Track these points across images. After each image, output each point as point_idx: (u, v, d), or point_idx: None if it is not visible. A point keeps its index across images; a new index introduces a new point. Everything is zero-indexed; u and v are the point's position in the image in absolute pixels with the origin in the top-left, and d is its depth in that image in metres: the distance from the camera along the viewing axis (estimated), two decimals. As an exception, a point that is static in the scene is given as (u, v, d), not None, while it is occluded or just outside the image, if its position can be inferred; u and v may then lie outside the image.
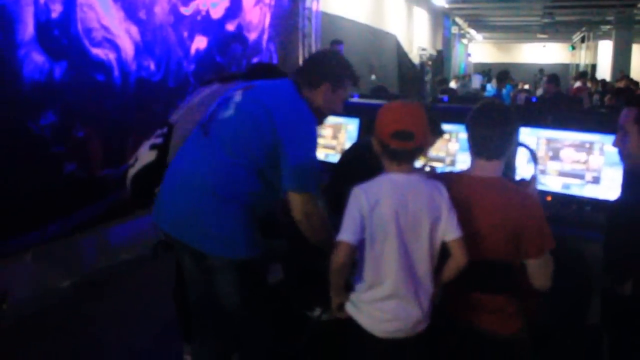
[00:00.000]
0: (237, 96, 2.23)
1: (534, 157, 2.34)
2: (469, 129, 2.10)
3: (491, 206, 2.00)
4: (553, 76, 7.44)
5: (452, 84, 15.38)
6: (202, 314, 2.38)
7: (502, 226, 1.98)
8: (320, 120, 2.33)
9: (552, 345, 2.15)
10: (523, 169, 2.75)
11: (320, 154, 3.19)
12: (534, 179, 2.20)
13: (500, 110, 2.11)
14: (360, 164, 2.73)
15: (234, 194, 2.11)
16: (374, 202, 1.88)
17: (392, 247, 1.87)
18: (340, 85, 2.31)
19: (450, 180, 2.13)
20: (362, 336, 1.94)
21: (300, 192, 2.12)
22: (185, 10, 5.13)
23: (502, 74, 9.48)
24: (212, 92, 2.89)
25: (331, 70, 2.29)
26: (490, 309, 2.12)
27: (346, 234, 1.87)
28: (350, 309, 1.98)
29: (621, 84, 11.24)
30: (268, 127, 2.09)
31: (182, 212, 2.18)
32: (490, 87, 12.52)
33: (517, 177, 2.36)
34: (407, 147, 1.89)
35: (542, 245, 1.98)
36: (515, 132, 2.11)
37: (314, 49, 8.13)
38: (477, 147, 2.09)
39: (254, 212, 2.16)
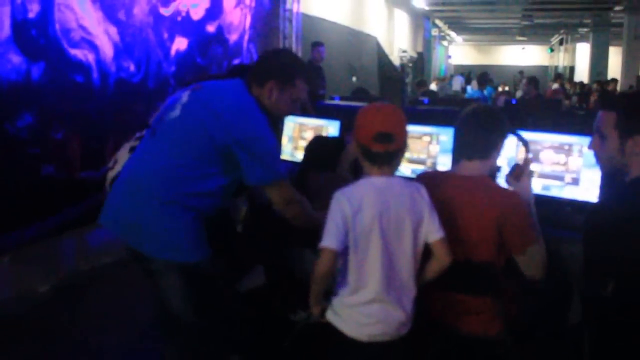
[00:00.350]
0: (184, 97, 2.20)
1: (525, 144, 2.37)
2: (457, 130, 2.17)
3: (476, 205, 2.04)
4: (532, 78, 7.56)
5: (433, 86, 15.48)
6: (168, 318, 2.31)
7: (486, 225, 2.01)
8: (273, 120, 2.27)
9: (534, 345, 2.16)
10: (515, 156, 2.78)
11: (300, 156, 3.19)
12: (527, 162, 2.23)
13: (490, 114, 2.17)
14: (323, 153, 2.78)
15: (175, 195, 2.06)
16: (357, 206, 1.86)
17: (376, 250, 1.86)
18: (289, 83, 2.21)
19: (434, 179, 2.16)
20: (344, 342, 1.92)
21: (272, 183, 2.13)
22: (165, 11, 5.10)
23: (482, 76, 9.62)
24: None
25: (280, 67, 2.22)
26: (472, 310, 2.13)
27: (330, 241, 1.84)
28: (330, 316, 1.96)
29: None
30: (215, 127, 2.07)
31: (124, 214, 2.14)
32: (471, 89, 12.63)
33: (510, 164, 2.37)
34: (389, 149, 1.87)
35: (524, 242, 2.01)
36: (503, 137, 2.14)
37: (294, 51, 8.13)
38: (463, 147, 2.15)
39: (198, 213, 2.11)
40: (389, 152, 1.88)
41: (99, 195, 3.03)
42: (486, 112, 2.20)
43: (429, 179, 2.17)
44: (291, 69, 2.25)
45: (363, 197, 1.88)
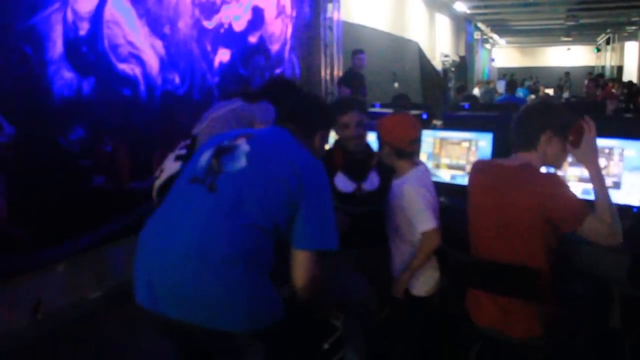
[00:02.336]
0: (243, 145, 1.95)
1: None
2: (512, 123, 2.25)
3: (522, 190, 2.10)
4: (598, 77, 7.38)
5: (476, 90, 15.31)
6: None
7: (530, 210, 2.06)
8: None
9: (574, 350, 2.15)
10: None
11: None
12: (584, 126, 2.21)
13: (536, 106, 2.27)
14: None
15: (251, 257, 1.78)
16: (432, 192, 2.53)
17: None
18: (328, 131, 2.35)
19: (487, 166, 2.34)
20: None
21: (313, 250, 1.86)
22: (209, 24, 5.23)
23: (511, 82, 9.88)
24: (234, 110, 2.98)
25: (324, 118, 2.28)
26: (514, 314, 2.15)
27: (433, 222, 2.42)
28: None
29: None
30: (294, 183, 1.85)
31: (180, 288, 1.77)
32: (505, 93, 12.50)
33: None
34: (416, 148, 2.63)
35: (576, 217, 2.04)
36: (550, 125, 2.17)
37: (335, 59, 8.20)
38: (514, 137, 2.23)
39: (269, 267, 1.84)
40: (416, 150, 2.61)
41: (147, 204, 3.14)
42: (534, 105, 2.29)
43: (477, 165, 2.42)
44: (330, 116, 2.37)
45: (427, 185, 2.54)
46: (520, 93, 15.64)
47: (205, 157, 1.94)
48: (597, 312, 2.24)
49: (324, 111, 2.29)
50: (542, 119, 2.18)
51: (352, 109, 2.85)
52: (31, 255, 3.56)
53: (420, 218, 2.45)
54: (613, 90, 9.93)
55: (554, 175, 2.15)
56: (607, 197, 2.08)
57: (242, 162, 1.87)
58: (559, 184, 2.08)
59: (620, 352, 1.96)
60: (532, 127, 2.18)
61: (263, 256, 1.80)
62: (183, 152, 2.99)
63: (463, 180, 3.23)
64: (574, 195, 2.07)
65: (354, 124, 2.84)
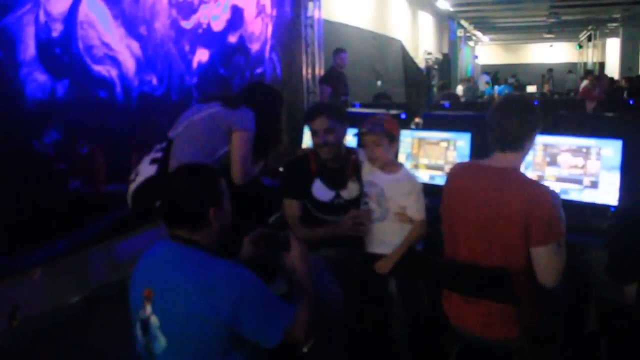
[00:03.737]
0: (152, 317, 1.80)
1: None
2: (489, 120, 2.17)
3: (503, 197, 2.06)
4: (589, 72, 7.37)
5: (459, 88, 15.36)
6: None
7: (514, 214, 2.02)
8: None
9: (552, 352, 2.15)
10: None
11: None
12: None
13: (521, 102, 2.18)
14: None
15: None
16: None
17: None
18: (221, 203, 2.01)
19: (467, 168, 2.27)
20: None
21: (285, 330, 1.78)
22: (186, 24, 5.17)
23: (494, 78, 9.82)
24: (212, 115, 2.93)
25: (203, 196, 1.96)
26: (491, 316, 2.13)
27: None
28: None
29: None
30: (223, 316, 1.74)
31: None
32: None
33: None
34: None
35: (548, 234, 2.01)
36: (536, 125, 2.14)
37: (317, 58, 8.17)
38: (495, 137, 2.15)
39: None
40: None
41: (125, 207, 3.10)
42: (519, 102, 2.20)
43: (456, 169, 2.33)
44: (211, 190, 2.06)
45: None
46: (505, 90, 15.76)
47: (138, 332, 1.83)
48: (575, 314, 2.23)
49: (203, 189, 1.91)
50: (531, 120, 2.13)
51: (319, 116, 2.76)
52: (7, 261, 3.49)
53: (418, 207, 2.66)
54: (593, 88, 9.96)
55: (545, 185, 2.11)
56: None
57: (161, 341, 1.75)
58: (548, 195, 2.04)
59: (596, 353, 1.95)
60: (522, 128, 2.12)
61: None
62: (159, 155, 2.95)
63: (442, 180, 3.20)
64: (559, 214, 2.03)
65: (321, 131, 2.75)
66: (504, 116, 2.13)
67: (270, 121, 3.05)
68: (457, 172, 2.33)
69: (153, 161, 2.93)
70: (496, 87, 17.29)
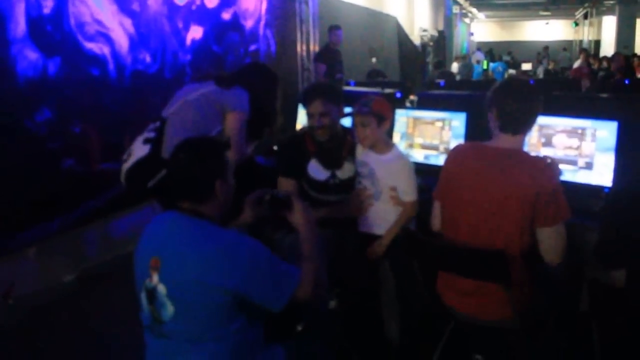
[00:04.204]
0: (159, 286, 1.83)
1: None
2: (496, 103, 2.15)
3: (512, 177, 2.06)
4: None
5: (454, 65, 15.29)
6: None
7: (525, 195, 2.02)
8: None
9: (545, 332, 2.16)
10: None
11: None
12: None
13: (527, 86, 2.19)
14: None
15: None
16: None
17: None
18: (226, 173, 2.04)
19: (472, 150, 2.24)
20: None
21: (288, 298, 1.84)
22: (180, 1, 5.11)
23: (490, 54, 9.75)
24: (206, 94, 2.90)
25: (212, 166, 1.99)
26: (484, 297, 2.14)
27: (417, 194, 2.69)
28: None
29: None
30: (231, 285, 1.79)
31: None
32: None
33: None
34: None
35: (556, 214, 2.03)
36: (540, 107, 2.15)
37: (311, 34, 8.11)
38: (502, 120, 2.14)
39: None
40: None
41: (119, 186, 3.09)
42: (526, 86, 2.20)
43: (459, 151, 2.30)
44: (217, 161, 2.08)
45: None
46: (499, 67, 15.66)
47: (144, 301, 1.84)
48: (568, 296, 2.25)
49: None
50: (537, 104, 2.14)
51: (315, 99, 2.74)
52: (1, 240, 3.49)
53: (410, 189, 2.67)
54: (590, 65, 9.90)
55: (551, 165, 2.12)
56: None
57: (169, 308, 1.78)
58: (556, 175, 2.05)
59: (588, 333, 1.97)
60: (530, 112, 2.12)
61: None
62: (152, 135, 2.93)
63: (437, 160, 3.21)
64: (563, 194, 2.04)
65: (317, 115, 2.74)
66: (512, 100, 2.11)
67: (265, 101, 3.03)
68: (460, 154, 2.30)
69: (146, 141, 2.91)
70: (490, 64, 17.20)
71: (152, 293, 1.79)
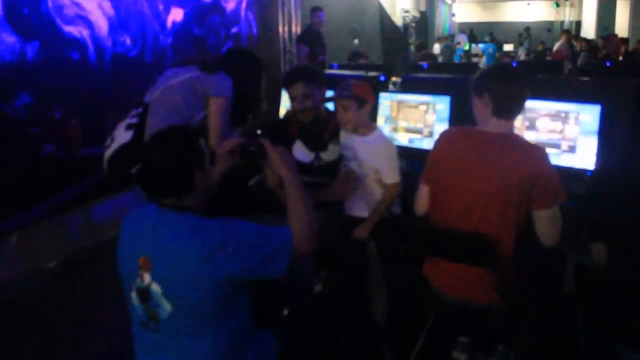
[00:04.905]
0: (153, 285, 1.80)
1: None
2: (488, 89, 2.15)
3: (508, 161, 2.07)
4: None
5: (436, 46, 15.27)
6: None
7: (516, 182, 2.04)
8: None
9: (528, 315, 2.19)
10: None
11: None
12: None
13: (516, 71, 2.22)
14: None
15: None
16: None
17: None
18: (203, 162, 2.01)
19: (463, 135, 2.25)
20: None
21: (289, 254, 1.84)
22: (160, -18, 5.03)
23: (471, 37, 9.74)
24: (189, 79, 2.87)
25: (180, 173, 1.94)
26: (469, 280, 2.16)
27: (400, 176, 2.69)
28: None
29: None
30: (223, 274, 1.79)
31: None
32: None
33: None
34: None
35: (554, 196, 2.06)
36: (528, 91, 2.17)
37: (293, 15, 8.04)
38: (499, 106, 2.14)
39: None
40: None
41: (101, 171, 3.06)
42: (515, 71, 2.23)
43: (450, 136, 2.29)
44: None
45: None
46: (490, 48, 15.68)
47: (135, 300, 1.82)
48: (552, 279, 2.28)
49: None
50: (526, 88, 2.15)
51: (297, 81, 2.75)
52: (-19, 228, 3.46)
53: (393, 170, 2.67)
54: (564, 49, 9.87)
55: (543, 148, 2.13)
56: None
57: (166, 306, 1.75)
58: (548, 157, 2.07)
59: (572, 317, 2.00)
60: (524, 96, 2.15)
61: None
62: (135, 120, 2.90)
63: (421, 143, 3.22)
64: (558, 177, 2.07)
65: (299, 97, 2.75)
66: (508, 86, 2.12)
67: (249, 87, 3.01)
68: (450, 138, 2.30)
69: (129, 127, 2.87)
70: (480, 45, 17.21)
71: (144, 292, 1.77)
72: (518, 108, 2.15)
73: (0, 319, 3.32)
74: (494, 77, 2.16)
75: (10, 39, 3.55)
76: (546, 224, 2.09)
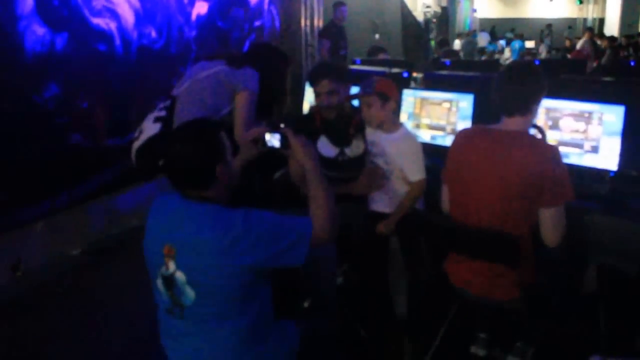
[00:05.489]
0: (177, 273, 1.85)
1: (541, 133, 2.42)
2: (498, 86, 2.18)
3: (516, 158, 2.08)
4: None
5: (457, 42, 15.18)
6: None
7: (525, 176, 2.05)
8: None
9: (549, 313, 2.21)
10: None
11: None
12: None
13: (526, 68, 2.22)
14: None
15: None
16: None
17: None
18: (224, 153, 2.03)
19: (478, 134, 2.26)
20: None
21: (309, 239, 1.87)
22: (185, -24, 5.08)
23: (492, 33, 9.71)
24: (216, 73, 2.91)
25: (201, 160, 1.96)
26: (490, 277, 2.18)
27: (424, 173, 2.71)
28: None
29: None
30: (247, 262, 1.83)
31: None
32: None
33: None
34: None
35: (561, 195, 2.06)
36: (540, 89, 2.17)
37: (315, 10, 8.04)
38: (506, 103, 2.17)
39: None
40: None
41: (125, 161, 3.11)
42: (522, 67, 2.26)
43: (467, 135, 2.30)
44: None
45: None
46: (516, 45, 15.52)
47: (161, 287, 1.87)
48: (572, 277, 2.29)
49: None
50: (535, 84, 2.16)
51: (322, 78, 2.79)
52: (9, 215, 3.53)
53: (416, 167, 2.69)
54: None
55: (555, 147, 2.14)
56: None
57: (190, 294, 1.81)
58: (559, 156, 2.08)
59: (594, 315, 2.01)
60: (527, 93, 2.15)
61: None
62: (163, 113, 2.94)
63: (443, 140, 3.23)
64: (567, 177, 2.07)
65: (324, 93, 2.78)
66: (509, 82, 2.15)
67: (275, 80, 3.04)
68: (466, 137, 2.32)
69: (157, 119, 2.92)
70: (501, 41, 17.05)
71: (169, 280, 1.82)
72: (525, 105, 2.14)
73: (25, 304, 3.41)
74: (499, 75, 2.21)
75: (40, 30, 3.61)
76: (549, 223, 2.08)
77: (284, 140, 1.99)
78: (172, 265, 1.80)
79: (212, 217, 1.78)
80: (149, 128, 2.90)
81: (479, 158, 2.19)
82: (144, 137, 2.90)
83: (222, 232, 1.74)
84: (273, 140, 2.02)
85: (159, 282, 1.86)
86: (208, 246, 1.74)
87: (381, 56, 6.19)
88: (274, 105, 3.15)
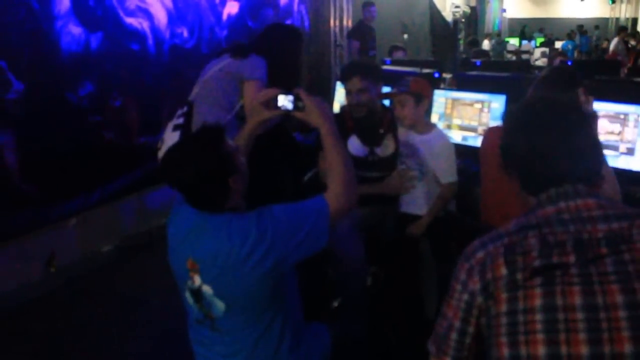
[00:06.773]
0: (204, 287, 1.81)
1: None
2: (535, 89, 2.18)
3: None
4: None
5: (485, 42, 15.06)
6: None
7: None
8: None
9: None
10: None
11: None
12: None
13: (568, 73, 2.21)
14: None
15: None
16: None
17: None
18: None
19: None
20: None
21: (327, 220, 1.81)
22: (216, -24, 5.13)
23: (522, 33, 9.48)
24: (223, 68, 2.88)
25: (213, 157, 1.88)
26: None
27: (456, 175, 2.70)
28: None
29: None
30: (268, 264, 1.77)
31: None
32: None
33: None
34: None
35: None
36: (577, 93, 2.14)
37: (345, 10, 8.05)
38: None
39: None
40: None
41: (156, 159, 3.13)
42: (560, 72, 2.25)
43: (495, 131, 2.31)
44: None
45: None
46: (569, 45, 15.29)
47: (189, 300, 1.83)
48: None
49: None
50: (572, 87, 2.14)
51: (353, 75, 2.74)
52: (43, 211, 3.60)
53: (449, 170, 2.69)
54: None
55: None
56: None
57: (219, 306, 1.77)
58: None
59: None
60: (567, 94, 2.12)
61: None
62: (181, 121, 2.89)
63: (475, 141, 3.21)
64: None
65: (354, 91, 2.74)
66: (549, 85, 2.12)
67: (287, 62, 2.97)
68: (492, 136, 2.31)
69: (175, 127, 2.90)
70: (531, 43, 16.85)
71: (197, 293, 1.78)
72: None
73: (57, 299, 3.47)
74: (541, 79, 2.19)
75: (76, 30, 3.68)
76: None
77: (297, 101, 1.88)
78: (197, 280, 1.76)
79: (227, 228, 1.71)
80: (169, 137, 2.86)
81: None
82: (165, 147, 2.88)
83: (238, 242, 1.68)
84: (285, 102, 1.90)
85: (187, 295, 1.83)
86: (228, 259, 1.69)
87: (399, 54, 6.14)
88: (290, 84, 3.12)
